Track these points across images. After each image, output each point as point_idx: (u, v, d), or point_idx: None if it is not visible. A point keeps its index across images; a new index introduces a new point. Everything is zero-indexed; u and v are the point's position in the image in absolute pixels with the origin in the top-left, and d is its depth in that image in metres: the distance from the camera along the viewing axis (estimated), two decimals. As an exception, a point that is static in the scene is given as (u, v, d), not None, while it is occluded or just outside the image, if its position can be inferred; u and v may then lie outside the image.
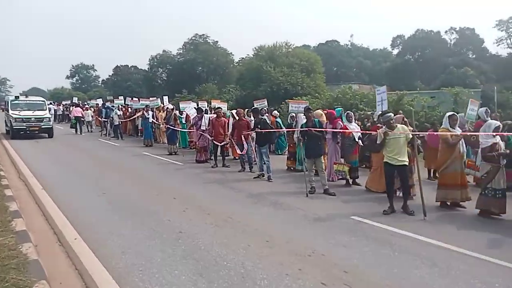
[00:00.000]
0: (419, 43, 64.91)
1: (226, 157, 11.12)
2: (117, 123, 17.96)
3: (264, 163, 8.71)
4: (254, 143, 9.47)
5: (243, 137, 9.46)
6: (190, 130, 13.42)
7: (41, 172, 9.40)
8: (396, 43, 71.69)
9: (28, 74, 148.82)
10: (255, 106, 13.35)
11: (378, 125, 7.69)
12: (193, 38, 56.46)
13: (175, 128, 13.04)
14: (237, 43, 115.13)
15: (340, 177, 8.12)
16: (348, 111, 8.42)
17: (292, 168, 10.10)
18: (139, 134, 18.75)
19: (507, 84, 40.88)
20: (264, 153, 8.70)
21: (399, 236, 5.09)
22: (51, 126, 17.67)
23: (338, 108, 10.98)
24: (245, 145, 9.51)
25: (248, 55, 47.34)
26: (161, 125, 16.29)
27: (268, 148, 8.84)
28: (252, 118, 10.95)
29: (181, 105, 14.19)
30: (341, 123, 8.38)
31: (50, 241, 4.93)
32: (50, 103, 36.23)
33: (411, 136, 5.93)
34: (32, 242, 4.54)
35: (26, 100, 18.24)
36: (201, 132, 11.01)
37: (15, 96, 18.45)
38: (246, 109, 15.01)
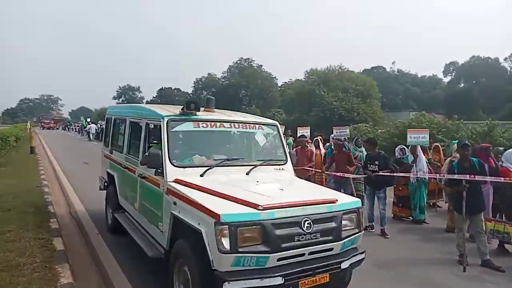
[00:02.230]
0: (475, 70, 61.02)
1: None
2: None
3: (380, 213, 6.56)
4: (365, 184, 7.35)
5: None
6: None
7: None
8: (448, 70, 68.03)
9: (76, 94, 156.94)
10: (335, 133, 11.35)
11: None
12: (238, 62, 56.17)
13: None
14: (278, 67, 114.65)
15: (498, 240, 5.82)
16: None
17: (399, 216, 7.88)
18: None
19: None
20: (381, 198, 6.57)
21: None
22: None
23: (454, 141, 8.78)
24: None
25: (290, 79, 46.16)
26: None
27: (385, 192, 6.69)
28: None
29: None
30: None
31: None
32: (92, 123, 34.02)
33: None
34: None
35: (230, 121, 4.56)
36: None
37: (187, 104, 4.13)
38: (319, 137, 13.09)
